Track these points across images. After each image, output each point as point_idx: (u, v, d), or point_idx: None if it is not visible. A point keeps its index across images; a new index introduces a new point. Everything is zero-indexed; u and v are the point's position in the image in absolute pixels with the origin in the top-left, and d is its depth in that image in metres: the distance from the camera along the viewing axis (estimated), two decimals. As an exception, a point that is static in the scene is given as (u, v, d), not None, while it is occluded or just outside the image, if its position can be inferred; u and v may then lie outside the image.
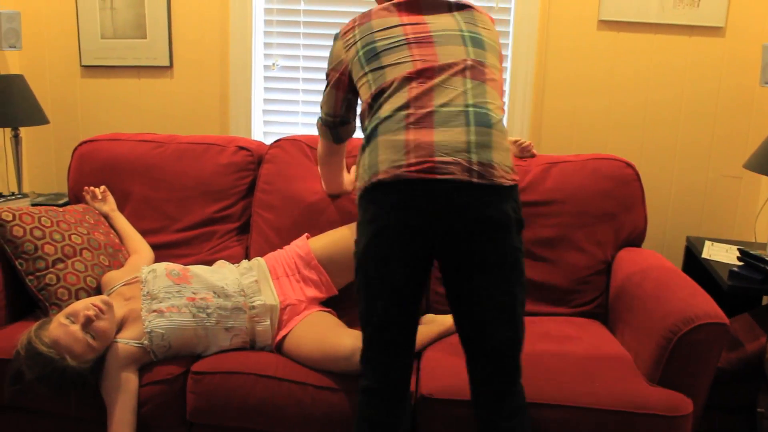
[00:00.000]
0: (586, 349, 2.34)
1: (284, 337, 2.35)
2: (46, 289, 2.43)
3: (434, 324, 2.46)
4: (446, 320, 2.46)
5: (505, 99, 3.25)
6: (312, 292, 2.47)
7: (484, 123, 1.82)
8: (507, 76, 3.23)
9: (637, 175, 2.71)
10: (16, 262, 2.43)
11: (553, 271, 2.65)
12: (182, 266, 2.46)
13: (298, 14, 3.32)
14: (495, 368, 1.88)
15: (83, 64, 3.45)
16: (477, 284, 1.81)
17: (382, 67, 1.94)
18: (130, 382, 2.18)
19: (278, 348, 2.36)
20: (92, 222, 2.70)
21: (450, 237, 1.79)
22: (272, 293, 2.42)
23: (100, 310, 2.18)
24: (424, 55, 1.91)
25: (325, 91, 2.26)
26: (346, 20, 3.27)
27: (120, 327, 2.29)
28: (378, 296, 1.86)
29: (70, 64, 3.48)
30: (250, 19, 3.30)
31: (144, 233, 2.82)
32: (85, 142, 2.99)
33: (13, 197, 3.10)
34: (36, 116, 3.18)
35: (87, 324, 2.14)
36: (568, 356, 2.27)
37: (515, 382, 1.90)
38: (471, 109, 1.83)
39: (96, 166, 2.92)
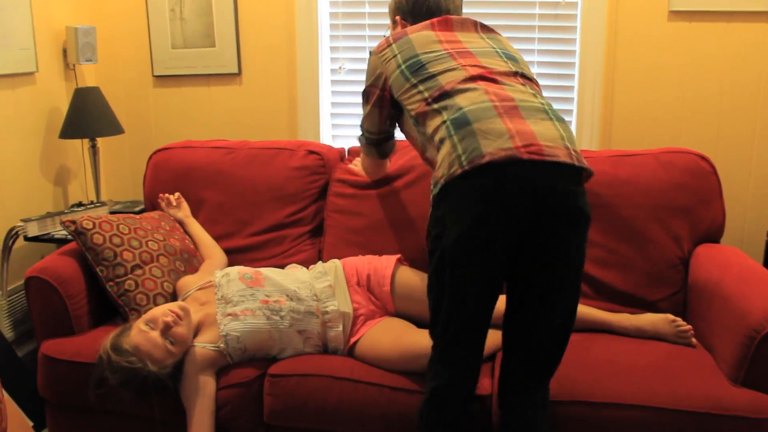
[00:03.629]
0: (664, 347, 2.30)
1: (356, 342, 2.36)
2: (125, 294, 2.50)
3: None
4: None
5: (573, 95, 3.22)
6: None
7: (562, 120, 1.88)
8: (575, 71, 3.18)
9: (713, 167, 2.63)
10: (97, 269, 2.51)
11: (629, 266, 2.59)
12: (255, 269, 2.49)
13: (363, 17, 3.34)
14: (540, 358, 1.92)
15: (155, 74, 3.53)
16: (558, 275, 1.82)
17: (433, 76, 1.97)
18: (208, 385, 2.22)
19: (350, 353, 2.37)
20: (168, 228, 2.77)
21: (546, 225, 1.76)
22: (347, 300, 2.42)
23: (178, 316, 2.23)
24: (471, 63, 1.97)
25: (365, 109, 2.29)
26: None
27: (196, 331, 2.33)
28: (473, 284, 1.80)
29: (143, 74, 3.57)
30: (316, 24, 3.32)
31: (217, 238, 2.87)
32: (159, 150, 3.07)
33: (93, 206, 3.20)
34: (112, 127, 3.28)
35: (166, 330, 2.19)
36: (647, 355, 2.23)
37: (551, 375, 1.96)
38: (545, 106, 1.89)
39: (170, 174, 2.99)
